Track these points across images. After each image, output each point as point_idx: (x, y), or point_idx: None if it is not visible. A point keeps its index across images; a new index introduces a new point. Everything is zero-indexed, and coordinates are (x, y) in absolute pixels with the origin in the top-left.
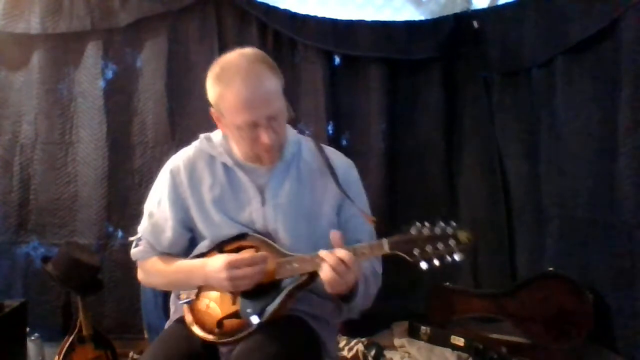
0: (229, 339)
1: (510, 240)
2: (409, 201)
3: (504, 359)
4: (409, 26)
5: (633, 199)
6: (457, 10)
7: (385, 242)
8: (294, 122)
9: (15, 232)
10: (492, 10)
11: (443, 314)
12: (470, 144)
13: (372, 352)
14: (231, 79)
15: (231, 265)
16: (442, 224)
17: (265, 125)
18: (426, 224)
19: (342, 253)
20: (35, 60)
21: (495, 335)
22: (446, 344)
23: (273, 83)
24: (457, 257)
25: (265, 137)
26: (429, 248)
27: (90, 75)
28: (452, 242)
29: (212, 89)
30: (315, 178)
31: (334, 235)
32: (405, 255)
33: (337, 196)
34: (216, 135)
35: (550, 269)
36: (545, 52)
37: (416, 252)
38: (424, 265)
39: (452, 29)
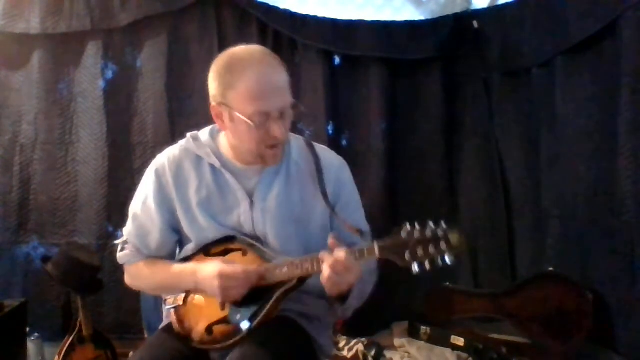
0: (219, 346)
1: (510, 240)
2: (409, 201)
3: (504, 359)
4: (409, 26)
5: (633, 199)
6: (457, 10)
7: (375, 246)
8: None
9: (15, 232)
10: (492, 10)
11: (443, 314)
12: (470, 144)
13: (372, 352)
14: (245, 67)
15: (224, 276)
16: (432, 225)
17: (277, 117)
18: (416, 225)
19: (340, 254)
20: (35, 60)
21: (495, 335)
22: (446, 344)
23: (285, 77)
24: (448, 259)
25: (277, 130)
26: (420, 251)
27: (90, 75)
28: (443, 245)
29: (219, 80)
30: (305, 180)
31: (331, 241)
32: (396, 259)
33: (330, 196)
34: (203, 134)
35: (550, 269)
36: (545, 52)
37: (407, 256)
38: (415, 268)
39: (452, 29)
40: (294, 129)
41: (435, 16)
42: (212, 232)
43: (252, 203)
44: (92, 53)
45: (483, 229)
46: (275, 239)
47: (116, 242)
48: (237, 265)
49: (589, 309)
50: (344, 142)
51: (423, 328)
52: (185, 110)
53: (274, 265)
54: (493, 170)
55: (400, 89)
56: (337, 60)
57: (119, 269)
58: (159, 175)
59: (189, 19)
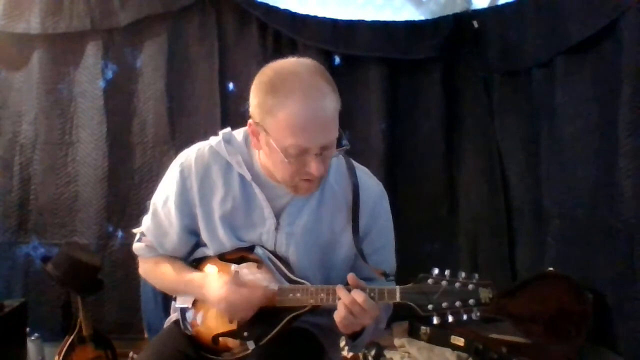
0: (223, 358)
1: (510, 240)
2: (409, 201)
3: (504, 359)
4: (409, 26)
5: (633, 199)
6: (457, 10)
7: (397, 291)
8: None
9: (15, 232)
10: (492, 10)
11: None
12: (470, 144)
13: (372, 352)
14: (289, 92)
15: (230, 302)
16: (463, 276)
17: (317, 153)
18: (446, 273)
19: (359, 295)
20: (35, 60)
21: (495, 335)
22: (446, 344)
23: (335, 105)
24: (474, 316)
25: (314, 168)
26: (444, 304)
27: (90, 75)
28: (471, 301)
29: (259, 100)
30: (338, 207)
31: (351, 278)
32: (417, 308)
33: (362, 228)
34: (238, 135)
35: (550, 269)
36: (545, 52)
37: (430, 307)
38: (435, 320)
39: (452, 29)
40: None
41: (435, 16)
42: (230, 245)
43: (278, 224)
44: (92, 53)
45: (483, 229)
46: (297, 262)
47: (135, 230)
48: (243, 289)
49: (589, 309)
50: (344, 142)
51: (423, 328)
52: (185, 110)
53: (288, 288)
54: (493, 170)
55: (400, 89)
56: (337, 60)
57: (119, 269)
58: (183, 176)
59: (189, 19)
